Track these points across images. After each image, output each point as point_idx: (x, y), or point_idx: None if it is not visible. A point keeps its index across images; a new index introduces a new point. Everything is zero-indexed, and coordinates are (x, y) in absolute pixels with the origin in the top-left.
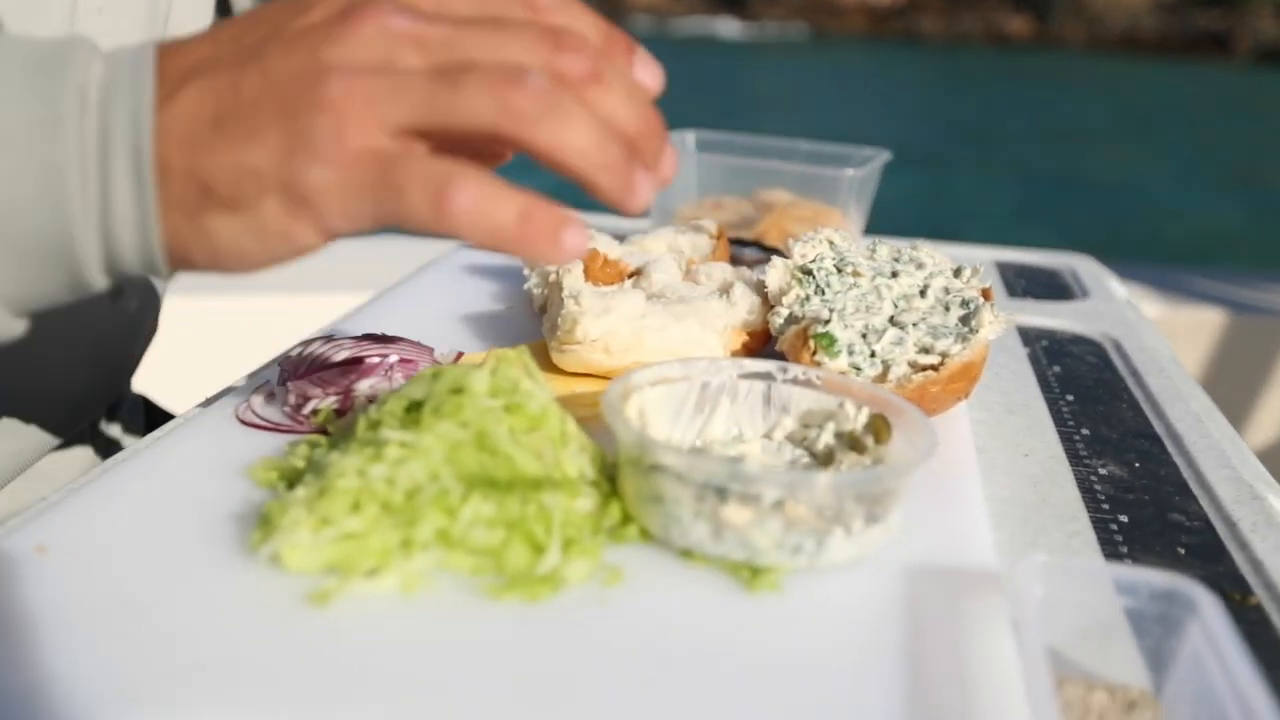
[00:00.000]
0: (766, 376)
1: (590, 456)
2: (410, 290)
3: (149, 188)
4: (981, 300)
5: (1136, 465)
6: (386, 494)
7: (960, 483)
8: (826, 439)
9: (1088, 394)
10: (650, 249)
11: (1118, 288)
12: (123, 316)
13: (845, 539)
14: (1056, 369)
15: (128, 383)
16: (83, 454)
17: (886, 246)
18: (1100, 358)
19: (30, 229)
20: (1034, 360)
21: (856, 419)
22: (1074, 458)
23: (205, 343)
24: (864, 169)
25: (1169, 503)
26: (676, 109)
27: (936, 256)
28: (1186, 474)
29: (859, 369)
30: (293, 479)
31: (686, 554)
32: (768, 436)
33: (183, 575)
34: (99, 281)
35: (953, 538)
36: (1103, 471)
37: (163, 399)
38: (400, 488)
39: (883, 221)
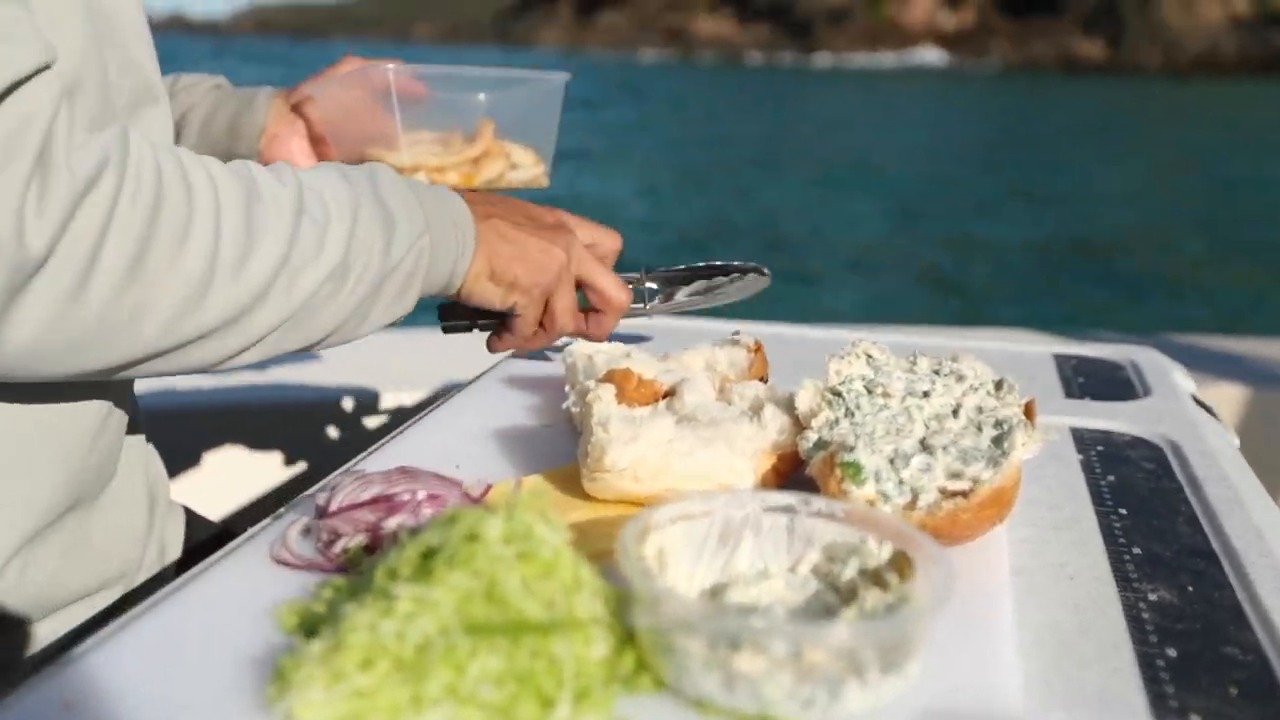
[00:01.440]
0: (790, 509)
1: (605, 600)
2: (455, 406)
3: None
4: (1015, 420)
5: (1189, 589)
6: (397, 649)
7: (989, 615)
8: (850, 574)
9: (1142, 506)
10: (688, 365)
11: (1182, 381)
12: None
13: (860, 690)
14: (1110, 478)
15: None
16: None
17: (927, 359)
18: (1159, 463)
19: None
20: (1087, 468)
21: (880, 554)
22: (1122, 580)
23: (245, 446)
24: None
25: (1222, 634)
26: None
27: (978, 368)
28: (1242, 598)
29: (887, 497)
30: (313, 625)
31: (699, 705)
32: (792, 570)
33: None
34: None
35: (976, 681)
36: (1152, 597)
37: (204, 505)
38: (410, 642)
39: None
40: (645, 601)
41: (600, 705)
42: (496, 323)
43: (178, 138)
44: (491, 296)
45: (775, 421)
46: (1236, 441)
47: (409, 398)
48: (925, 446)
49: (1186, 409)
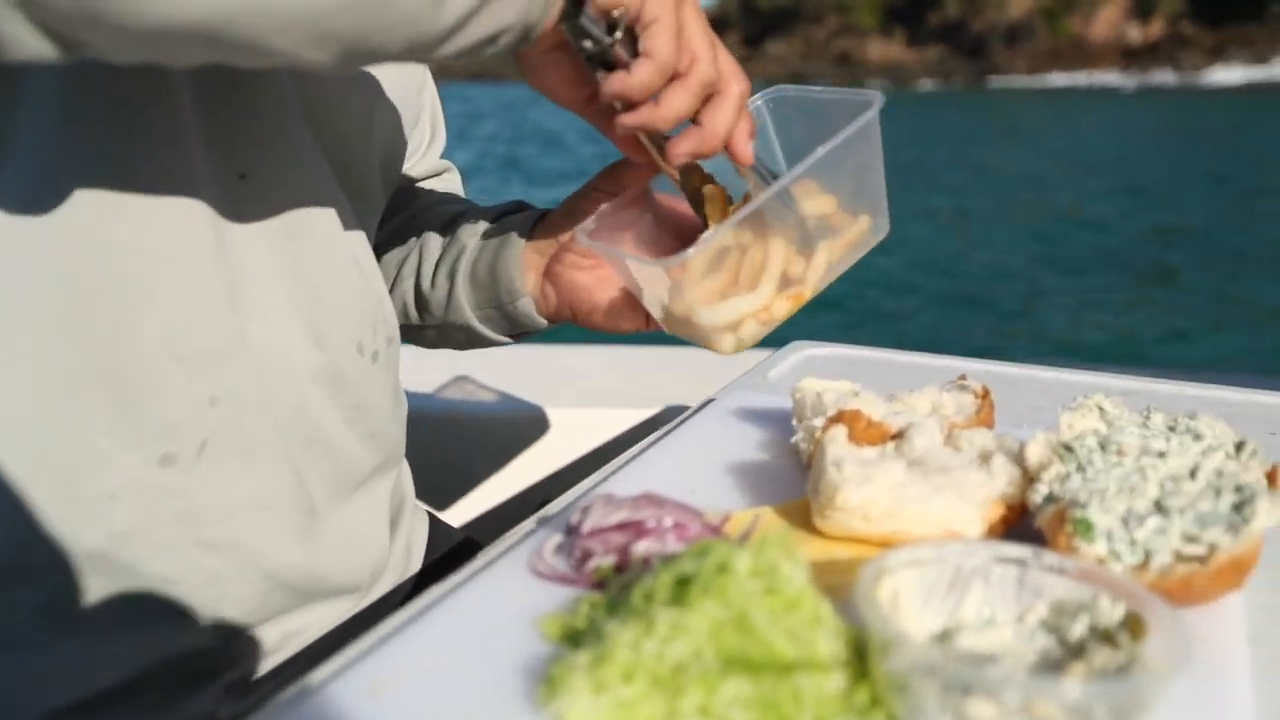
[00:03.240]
0: (1021, 562)
1: (843, 638)
2: (685, 433)
3: None
4: (1259, 486)
5: None
6: (655, 667)
7: (1223, 685)
8: (1080, 630)
9: None
10: (915, 407)
11: None
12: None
13: None
14: None
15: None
16: (381, 544)
17: (1162, 415)
18: None
19: None
20: None
21: (1112, 613)
22: None
23: (479, 456)
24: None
25: None
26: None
27: (1218, 428)
28: None
29: (1118, 556)
30: (575, 637)
31: None
32: (1020, 621)
33: None
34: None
35: None
36: None
37: (446, 512)
38: (668, 662)
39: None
40: (882, 643)
41: None
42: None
43: (450, 285)
44: None
45: (1005, 472)
46: None
47: (630, 417)
48: (1160, 508)
49: None
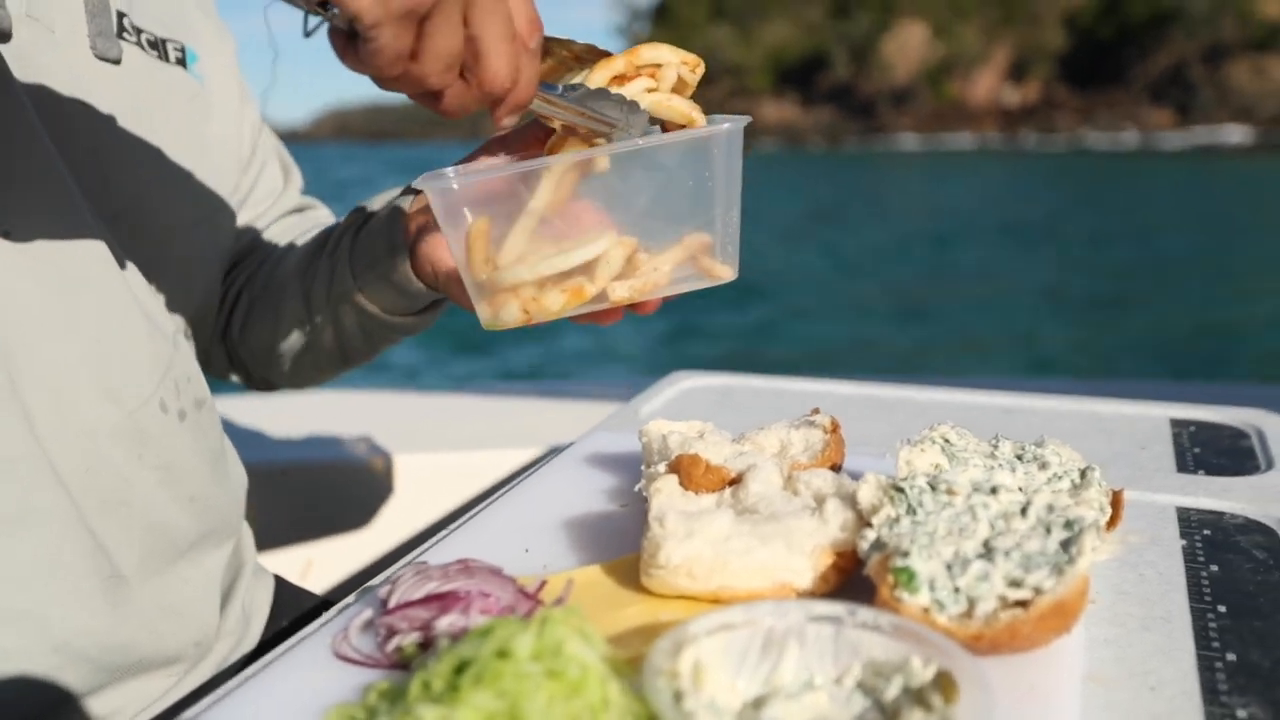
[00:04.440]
0: (836, 620)
1: (635, 718)
2: (534, 483)
3: None
4: (1087, 522)
5: None
6: None
7: None
8: (894, 693)
9: (1244, 603)
10: (762, 446)
11: None
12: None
13: None
14: (1214, 568)
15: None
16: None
17: (1010, 443)
18: (1270, 551)
19: None
20: (1189, 556)
21: (924, 674)
22: (1209, 693)
23: (353, 510)
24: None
25: None
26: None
27: (1065, 454)
28: None
29: (942, 605)
30: None
31: None
32: (838, 683)
33: None
34: None
35: None
36: (1241, 714)
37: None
38: None
39: None
40: None
41: None
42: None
43: (332, 265)
44: None
45: (838, 517)
46: None
47: (511, 459)
48: (989, 548)
49: None
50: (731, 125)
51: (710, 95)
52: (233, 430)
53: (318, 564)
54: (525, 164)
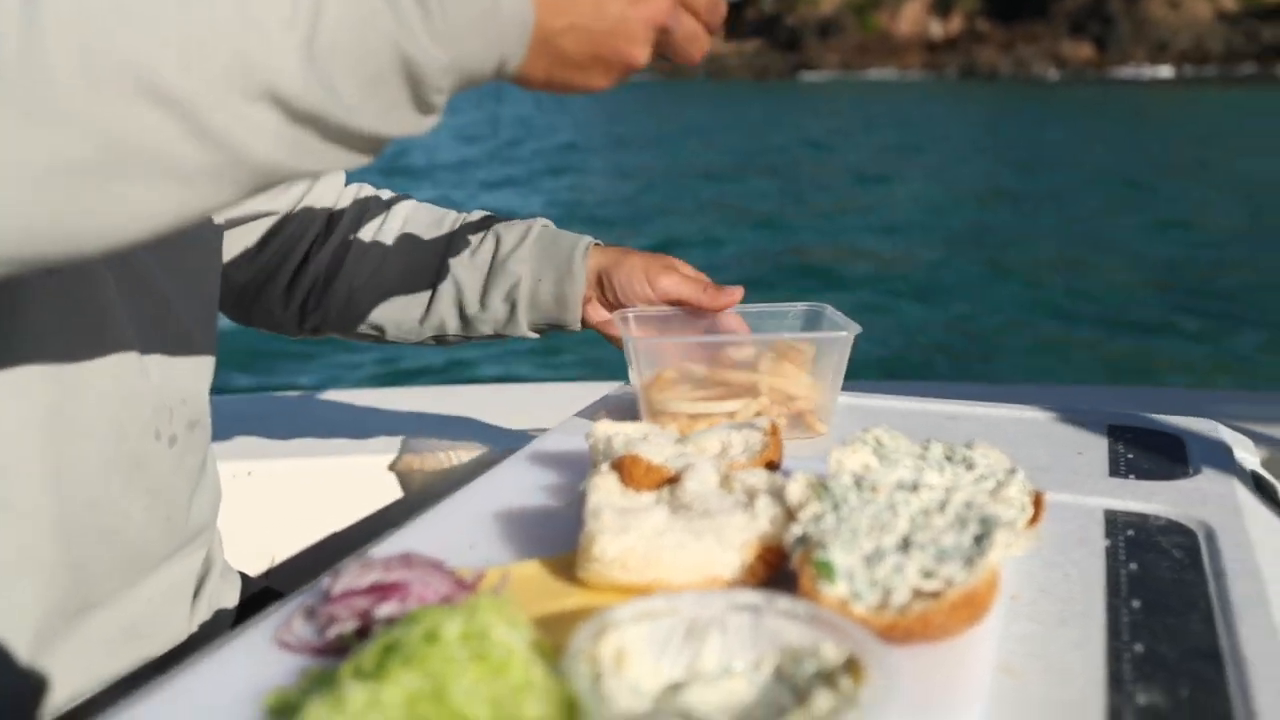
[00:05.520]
0: (755, 609)
1: (557, 702)
2: (486, 482)
3: None
4: (1000, 519)
5: (1183, 694)
6: None
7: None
8: (806, 676)
9: (1158, 601)
10: (704, 448)
11: (1246, 457)
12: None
13: None
14: (1133, 567)
15: (203, 540)
16: (180, 622)
17: (941, 445)
18: (1188, 551)
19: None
20: (1111, 556)
21: (835, 657)
22: (1115, 681)
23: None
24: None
25: None
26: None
27: (993, 456)
28: (1238, 712)
29: (858, 596)
30: (288, 715)
31: None
32: (756, 669)
33: None
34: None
35: None
36: (1141, 701)
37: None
38: None
39: None
40: (588, 704)
41: None
42: None
43: (510, 310)
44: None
45: (767, 513)
46: None
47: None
48: (907, 543)
49: (1234, 491)
50: (848, 334)
51: None
52: None
53: (281, 561)
54: (714, 337)
